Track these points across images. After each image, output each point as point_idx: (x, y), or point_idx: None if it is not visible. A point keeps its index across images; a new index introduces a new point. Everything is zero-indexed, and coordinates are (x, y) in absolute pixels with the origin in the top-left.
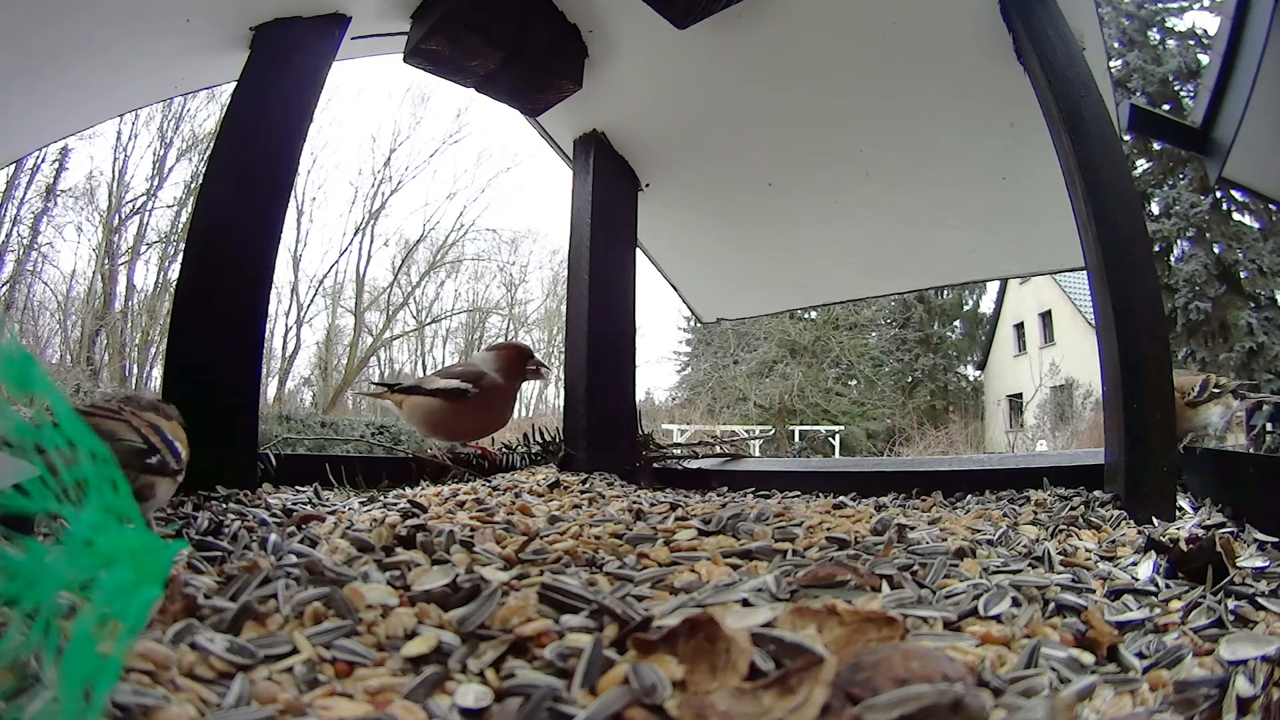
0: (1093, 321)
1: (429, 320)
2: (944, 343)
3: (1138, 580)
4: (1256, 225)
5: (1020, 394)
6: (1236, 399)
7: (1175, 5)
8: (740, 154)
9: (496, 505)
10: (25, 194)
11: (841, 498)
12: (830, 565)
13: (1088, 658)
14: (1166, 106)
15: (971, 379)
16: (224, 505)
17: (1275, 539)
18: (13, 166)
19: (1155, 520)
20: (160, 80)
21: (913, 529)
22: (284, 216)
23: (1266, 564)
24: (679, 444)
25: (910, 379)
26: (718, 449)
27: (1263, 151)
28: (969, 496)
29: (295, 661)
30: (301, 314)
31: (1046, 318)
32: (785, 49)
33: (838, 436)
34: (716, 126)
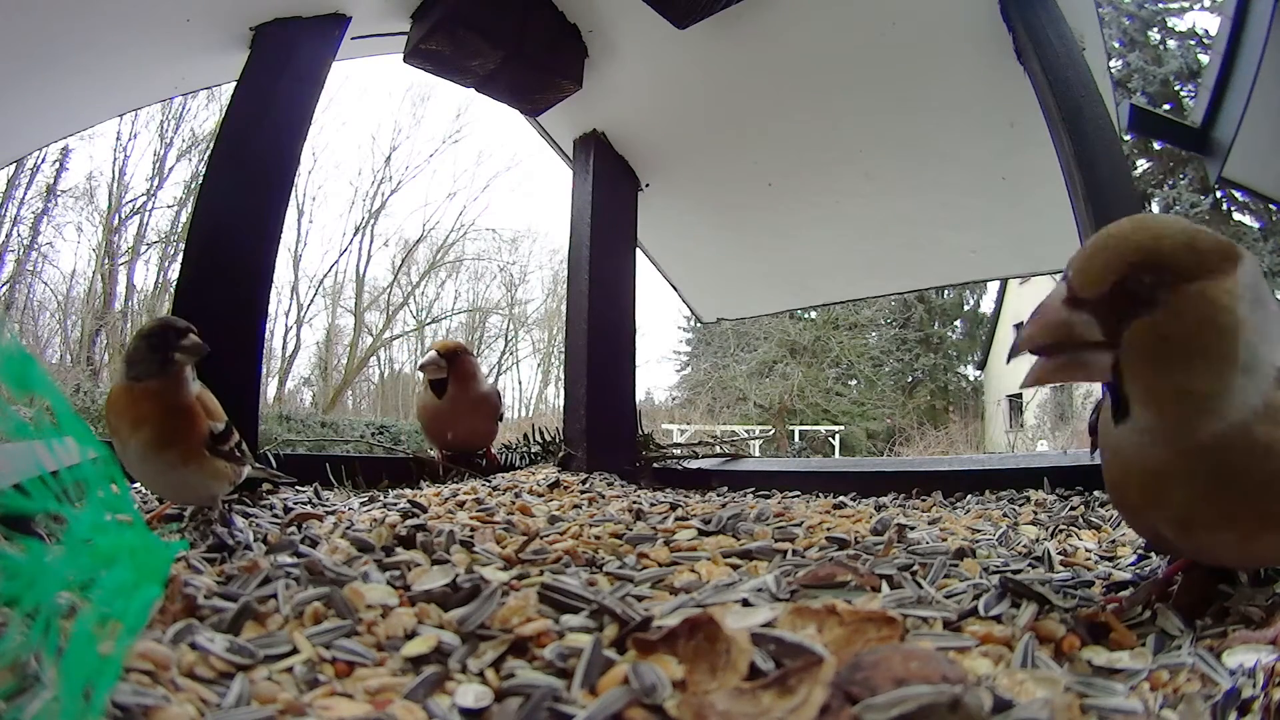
0: None
1: (429, 320)
2: (944, 343)
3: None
4: (1257, 225)
5: (1020, 394)
6: None
7: (1175, 5)
8: (740, 154)
9: (496, 505)
10: (25, 194)
11: (841, 498)
12: (830, 565)
13: None
14: (1167, 106)
15: (971, 379)
16: (225, 505)
17: None
18: (13, 166)
19: None
20: (160, 80)
21: (913, 529)
22: (284, 216)
23: None
24: (679, 444)
25: (910, 379)
26: (718, 449)
27: (1263, 151)
28: (969, 496)
29: (295, 661)
30: (301, 314)
31: None
32: (785, 49)
33: (838, 436)
34: (716, 126)
